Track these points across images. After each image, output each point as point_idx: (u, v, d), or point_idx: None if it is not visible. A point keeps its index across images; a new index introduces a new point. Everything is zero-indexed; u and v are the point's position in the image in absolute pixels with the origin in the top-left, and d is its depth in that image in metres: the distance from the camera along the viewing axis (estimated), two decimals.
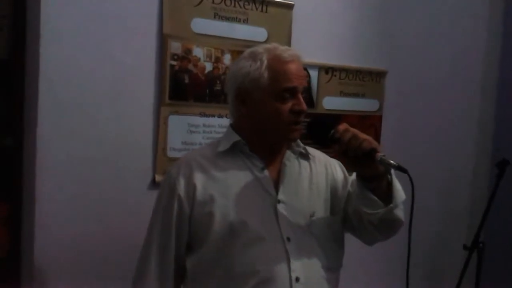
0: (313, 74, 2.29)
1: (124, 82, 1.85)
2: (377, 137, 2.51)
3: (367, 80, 2.46)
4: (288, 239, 1.33)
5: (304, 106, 1.35)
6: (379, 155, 1.24)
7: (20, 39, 1.77)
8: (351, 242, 1.50)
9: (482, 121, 2.89)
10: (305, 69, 2.25)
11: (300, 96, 1.35)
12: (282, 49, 1.38)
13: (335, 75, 2.36)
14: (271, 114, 1.33)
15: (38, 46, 1.68)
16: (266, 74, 1.33)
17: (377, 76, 2.49)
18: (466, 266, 2.32)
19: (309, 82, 2.28)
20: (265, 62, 1.34)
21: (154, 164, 1.92)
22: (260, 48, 1.40)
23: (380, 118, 2.53)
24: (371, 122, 2.50)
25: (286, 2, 2.18)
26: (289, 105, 1.33)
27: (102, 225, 1.82)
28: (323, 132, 1.32)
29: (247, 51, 1.42)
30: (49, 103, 1.71)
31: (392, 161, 1.24)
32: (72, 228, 1.77)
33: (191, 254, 1.38)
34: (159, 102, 1.92)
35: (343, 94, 2.39)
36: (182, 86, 1.95)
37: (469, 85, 2.84)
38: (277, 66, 1.34)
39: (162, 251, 1.36)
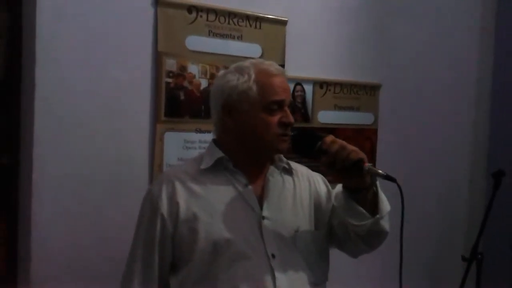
0: (308, 88, 2.31)
1: (120, 100, 1.86)
2: (373, 150, 2.53)
3: (361, 93, 2.48)
4: (273, 255, 1.32)
5: (292, 118, 1.36)
6: (367, 165, 1.25)
7: (16, 59, 1.78)
8: (342, 255, 1.50)
9: (477, 132, 2.91)
10: (300, 83, 2.27)
11: (287, 109, 1.37)
12: (268, 63, 1.41)
13: (329, 89, 2.38)
14: (260, 126, 1.34)
15: (34, 65, 1.70)
16: (254, 87, 1.35)
17: (372, 89, 2.51)
18: (465, 277, 2.31)
19: (304, 97, 2.30)
20: (253, 75, 1.36)
21: (150, 180, 1.92)
22: (246, 63, 1.42)
23: (375, 131, 2.54)
24: (366, 135, 2.51)
25: (280, 18, 2.20)
26: (277, 117, 1.35)
27: (99, 242, 1.81)
28: (307, 145, 1.32)
29: (232, 66, 1.44)
30: (45, 122, 1.72)
31: (380, 171, 1.25)
32: (69, 245, 1.76)
33: (175, 273, 1.36)
34: (155, 119, 1.93)
35: (338, 108, 2.41)
36: (178, 103, 1.97)
37: (463, 96, 2.87)
38: (264, 79, 1.36)
39: (145, 271, 1.34)
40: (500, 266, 2.68)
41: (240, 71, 1.39)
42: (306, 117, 2.31)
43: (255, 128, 1.35)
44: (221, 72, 1.48)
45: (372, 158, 2.51)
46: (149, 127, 1.92)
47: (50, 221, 1.73)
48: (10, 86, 1.79)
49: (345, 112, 2.43)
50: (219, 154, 1.39)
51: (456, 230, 2.88)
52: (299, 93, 2.28)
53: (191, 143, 2.00)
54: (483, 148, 2.92)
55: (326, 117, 2.37)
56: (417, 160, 2.68)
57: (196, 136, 2.01)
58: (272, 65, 1.41)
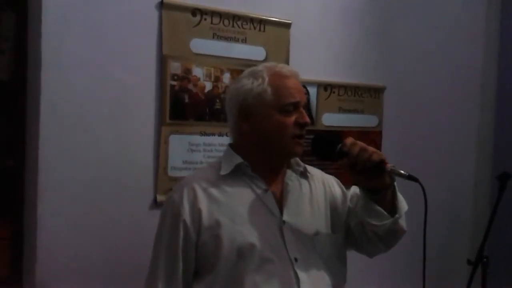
0: (312, 91, 2.31)
1: (125, 103, 1.86)
2: None
3: (365, 96, 2.48)
4: (296, 259, 1.33)
5: (308, 119, 1.38)
6: (389, 166, 1.27)
7: (22, 61, 1.80)
8: (360, 258, 1.51)
9: (482, 134, 2.90)
10: (304, 86, 2.27)
11: (303, 110, 1.38)
12: (280, 66, 1.43)
13: (333, 92, 2.38)
14: (277, 127, 1.35)
15: (39, 68, 1.70)
16: (269, 90, 1.36)
17: (376, 92, 2.51)
18: (470, 281, 2.30)
19: (308, 99, 2.29)
20: (267, 78, 1.37)
21: (155, 183, 1.92)
22: (259, 67, 1.43)
23: (379, 133, 2.54)
24: (371, 138, 2.50)
25: (284, 21, 2.21)
26: (293, 118, 1.36)
27: (103, 245, 1.82)
28: (327, 148, 1.34)
29: (247, 70, 1.45)
30: (51, 124, 1.73)
31: (402, 171, 1.27)
32: (73, 248, 1.76)
33: (199, 280, 1.35)
34: (160, 122, 1.93)
35: (342, 110, 2.41)
36: (182, 105, 1.97)
37: (468, 99, 2.86)
38: (278, 81, 1.37)
39: (169, 280, 1.33)
40: (506, 270, 2.66)
41: (254, 75, 1.40)
42: (310, 120, 2.30)
43: (271, 130, 1.36)
44: (239, 77, 1.49)
45: None
46: (154, 130, 1.92)
47: (55, 223, 1.74)
48: (16, 88, 1.80)
49: (349, 115, 2.43)
50: (238, 159, 1.39)
51: (462, 233, 2.87)
52: None
53: (195, 145, 2.01)
54: (488, 150, 2.90)
55: (330, 119, 2.37)
56: (421, 163, 2.65)
57: (200, 139, 2.01)
58: (284, 67, 1.42)
